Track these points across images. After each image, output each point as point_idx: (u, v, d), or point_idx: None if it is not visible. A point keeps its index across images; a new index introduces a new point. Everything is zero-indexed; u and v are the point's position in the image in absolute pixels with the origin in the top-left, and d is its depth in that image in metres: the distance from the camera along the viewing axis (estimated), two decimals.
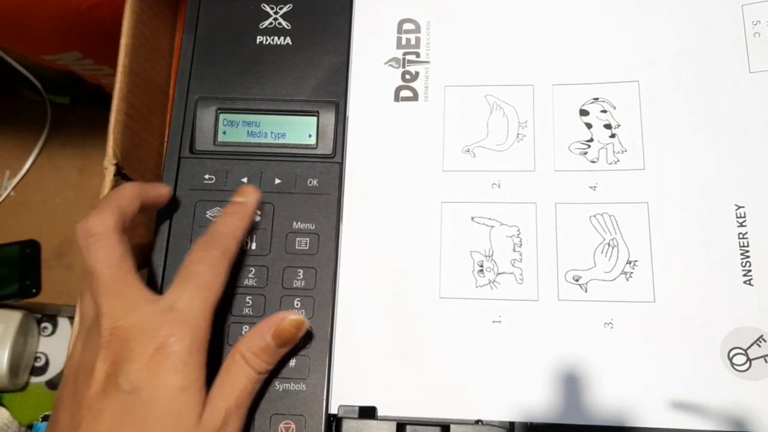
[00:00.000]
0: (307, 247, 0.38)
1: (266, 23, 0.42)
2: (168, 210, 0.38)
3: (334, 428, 0.35)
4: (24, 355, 0.63)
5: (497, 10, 0.41)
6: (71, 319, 0.65)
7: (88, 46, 0.54)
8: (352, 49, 0.41)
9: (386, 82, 0.41)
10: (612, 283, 0.36)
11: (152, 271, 0.38)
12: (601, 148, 0.38)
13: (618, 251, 0.37)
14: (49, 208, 0.62)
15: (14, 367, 0.61)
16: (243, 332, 0.36)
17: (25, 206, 0.62)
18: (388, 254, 0.38)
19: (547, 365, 0.36)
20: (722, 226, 0.36)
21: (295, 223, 0.38)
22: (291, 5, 0.42)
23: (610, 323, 0.36)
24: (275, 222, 0.38)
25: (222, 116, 0.40)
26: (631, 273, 0.36)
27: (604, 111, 0.39)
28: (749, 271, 0.35)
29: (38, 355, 0.65)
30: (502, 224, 0.38)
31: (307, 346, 0.36)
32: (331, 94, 0.40)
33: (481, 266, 0.38)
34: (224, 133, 0.40)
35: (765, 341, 0.35)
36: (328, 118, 0.40)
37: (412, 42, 0.41)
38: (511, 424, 0.35)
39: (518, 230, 0.38)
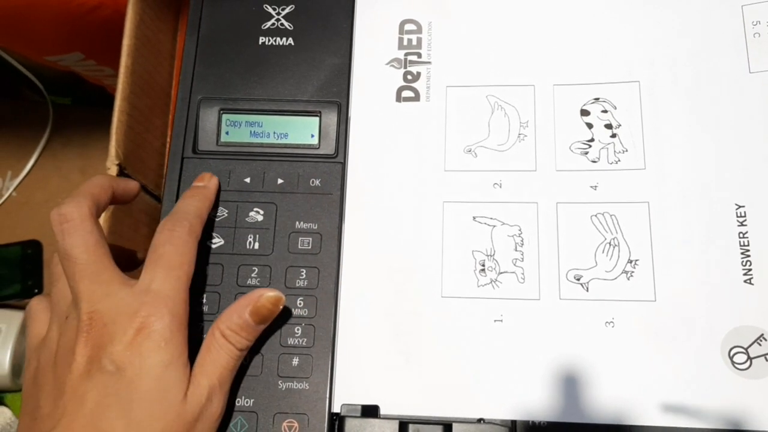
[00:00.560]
0: (309, 247, 0.38)
1: (268, 24, 0.42)
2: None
3: (336, 427, 0.35)
4: (26, 356, 0.62)
5: (498, 11, 0.42)
6: None
7: (90, 47, 0.54)
8: (354, 49, 0.42)
9: (388, 82, 0.41)
10: (613, 283, 0.37)
11: None
12: (602, 147, 0.39)
13: (619, 250, 0.37)
14: (51, 208, 0.61)
15: (16, 367, 0.61)
16: None
17: (27, 207, 0.62)
18: (390, 254, 0.38)
19: (549, 364, 0.36)
20: (723, 225, 0.36)
21: (297, 222, 0.38)
22: (293, 6, 0.42)
23: (612, 322, 0.36)
24: (278, 222, 0.38)
25: (225, 117, 0.40)
26: (632, 272, 0.37)
27: (605, 111, 0.39)
28: (749, 270, 0.36)
29: None
30: (504, 224, 0.38)
31: (310, 345, 0.36)
32: (333, 95, 0.41)
33: (483, 265, 0.38)
34: (227, 133, 0.40)
35: (765, 340, 0.35)
36: (331, 118, 0.40)
37: (414, 42, 0.42)
38: (513, 422, 0.35)
39: (520, 230, 0.38)
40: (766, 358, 0.35)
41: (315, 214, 0.38)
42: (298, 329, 0.36)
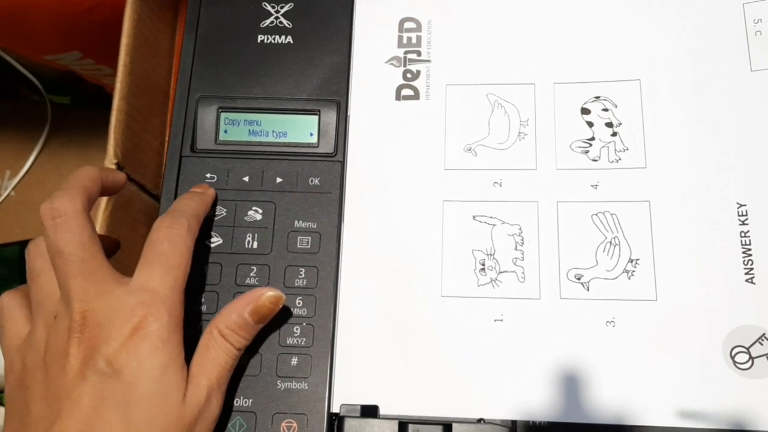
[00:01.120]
0: (308, 246, 0.38)
1: (267, 22, 0.42)
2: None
3: (336, 427, 0.35)
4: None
5: (498, 9, 0.41)
6: None
7: (89, 46, 0.54)
8: (353, 47, 0.41)
9: (387, 80, 0.41)
10: (614, 282, 0.36)
11: None
12: (603, 146, 0.38)
13: (620, 250, 0.37)
14: None
15: None
16: None
17: (26, 206, 0.62)
18: (389, 253, 0.38)
19: (549, 364, 0.36)
20: (724, 224, 0.36)
21: (296, 221, 0.38)
22: (292, 4, 0.42)
23: (612, 322, 0.36)
24: (277, 221, 0.38)
25: (223, 115, 0.40)
26: (633, 271, 0.36)
27: (606, 109, 0.39)
28: (751, 269, 0.35)
29: None
30: (504, 223, 0.38)
31: (309, 345, 0.36)
32: (332, 93, 0.40)
33: (483, 265, 0.37)
34: (225, 132, 0.40)
35: (767, 339, 0.35)
36: (330, 116, 0.40)
37: (414, 41, 0.41)
38: (513, 422, 0.35)
39: (520, 229, 0.38)
40: (767, 357, 0.34)
41: (314, 213, 0.38)
42: (297, 329, 0.36)
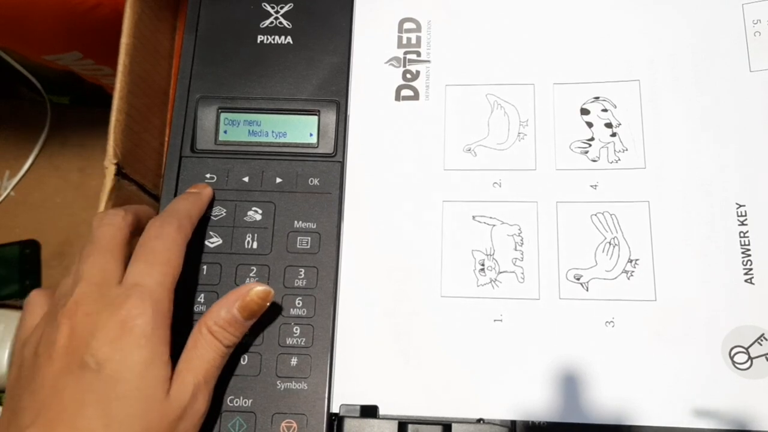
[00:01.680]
0: (308, 246, 0.38)
1: (267, 22, 0.42)
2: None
3: (335, 427, 0.35)
4: (14, 350, 0.62)
5: (498, 9, 0.41)
6: None
7: (89, 46, 0.54)
8: (353, 48, 0.41)
9: (387, 81, 0.41)
10: (613, 282, 0.36)
11: None
12: (602, 146, 0.39)
13: (619, 250, 0.37)
14: (49, 208, 0.62)
15: None
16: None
17: (25, 206, 0.62)
18: (389, 253, 0.38)
19: (549, 364, 0.36)
20: (723, 224, 0.36)
21: (296, 222, 0.38)
22: (292, 4, 0.42)
23: (612, 322, 0.36)
24: (276, 221, 0.38)
25: (223, 115, 0.40)
26: (633, 272, 0.36)
27: (605, 110, 0.39)
28: (750, 269, 0.35)
29: None
30: (504, 223, 0.38)
31: (308, 345, 0.36)
32: (332, 93, 0.40)
33: (483, 265, 0.38)
34: (225, 132, 0.40)
35: (766, 340, 0.35)
36: (329, 117, 0.40)
37: (413, 41, 0.41)
38: (513, 422, 0.35)
39: (519, 229, 0.38)
40: (766, 357, 0.34)
41: (314, 214, 0.38)
42: (296, 329, 0.36)
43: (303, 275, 0.37)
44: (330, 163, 0.39)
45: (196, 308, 0.37)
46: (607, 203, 0.38)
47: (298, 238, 0.38)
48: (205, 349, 0.32)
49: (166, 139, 0.47)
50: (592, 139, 0.39)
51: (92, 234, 0.34)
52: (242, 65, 0.41)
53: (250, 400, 0.35)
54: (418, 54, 0.41)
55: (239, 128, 0.40)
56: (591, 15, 0.41)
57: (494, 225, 0.38)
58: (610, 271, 0.37)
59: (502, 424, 0.35)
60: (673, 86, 0.39)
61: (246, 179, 0.39)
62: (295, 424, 0.35)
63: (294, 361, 0.36)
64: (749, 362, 0.34)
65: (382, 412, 0.36)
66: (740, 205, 0.36)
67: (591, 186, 0.38)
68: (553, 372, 0.36)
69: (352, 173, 0.39)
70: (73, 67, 0.58)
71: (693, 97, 0.38)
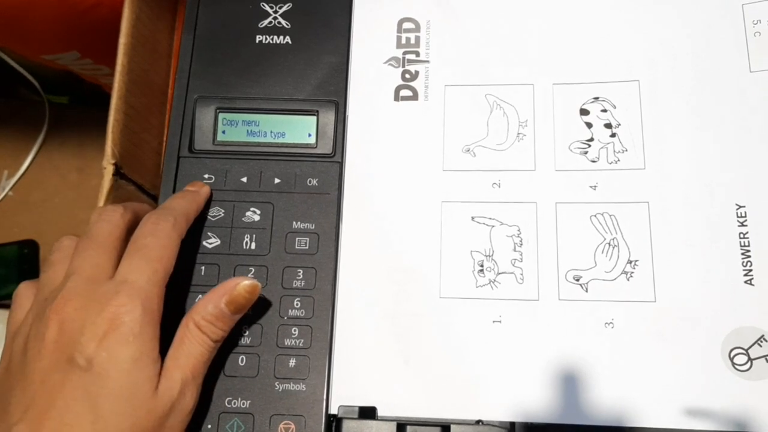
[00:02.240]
0: (306, 247, 0.38)
1: (266, 22, 0.42)
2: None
3: (334, 428, 0.35)
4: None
5: (497, 10, 0.41)
6: None
7: (87, 45, 0.54)
8: (352, 48, 0.41)
9: (386, 81, 0.41)
10: (613, 283, 0.36)
11: None
12: (602, 147, 0.38)
13: (618, 251, 0.37)
14: (48, 208, 0.62)
15: None
16: (242, 333, 0.36)
17: (24, 206, 0.62)
18: (388, 254, 0.38)
19: (548, 365, 0.36)
20: (723, 225, 0.36)
21: (294, 222, 0.38)
22: (291, 4, 0.42)
23: (611, 323, 0.36)
24: (275, 222, 0.38)
25: (221, 116, 0.40)
26: (632, 273, 0.36)
27: (605, 110, 0.39)
28: (750, 270, 0.35)
29: None
30: (503, 224, 0.38)
31: (307, 347, 0.36)
32: (330, 94, 0.40)
33: (482, 266, 0.37)
34: (223, 132, 0.40)
35: (766, 341, 0.35)
36: (328, 117, 0.40)
37: (412, 41, 0.41)
38: (512, 424, 0.35)
39: (518, 230, 0.38)
40: (766, 359, 0.34)
41: (312, 214, 0.38)
42: (295, 330, 0.36)
43: (301, 276, 0.37)
44: (329, 163, 0.39)
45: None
46: (607, 204, 0.37)
47: (297, 238, 0.38)
48: (192, 344, 0.32)
49: (165, 139, 0.47)
50: (592, 139, 0.39)
51: (89, 228, 0.34)
52: (241, 65, 0.41)
53: (248, 402, 0.35)
54: (417, 54, 0.41)
55: (237, 128, 0.40)
56: (590, 15, 0.40)
57: (493, 226, 0.38)
58: (609, 272, 0.37)
59: (501, 425, 0.35)
60: (672, 87, 0.39)
61: (244, 180, 0.39)
62: (293, 426, 0.35)
63: (292, 362, 0.36)
64: (749, 363, 0.34)
65: (380, 413, 0.36)
66: (740, 206, 0.36)
67: (590, 187, 0.38)
68: (552, 373, 0.35)
69: (350, 174, 0.39)
70: (71, 66, 0.58)
71: (693, 98, 0.38)
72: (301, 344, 0.36)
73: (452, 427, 0.35)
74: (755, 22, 0.38)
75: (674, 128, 0.38)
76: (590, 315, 0.36)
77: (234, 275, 0.37)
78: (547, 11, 0.41)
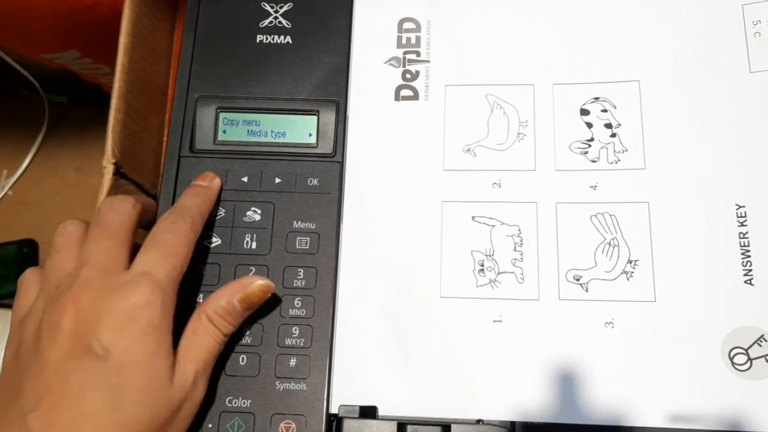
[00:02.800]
0: (307, 247, 0.38)
1: (266, 22, 0.42)
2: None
3: (334, 428, 0.35)
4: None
5: (498, 10, 0.41)
6: None
7: (87, 45, 0.54)
8: (353, 48, 0.41)
9: (387, 81, 0.41)
10: (613, 283, 0.36)
11: None
12: (602, 147, 0.38)
13: (619, 251, 0.37)
14: (47, 207, 0.62)
15: None
16: (243, 332, 0.36)
17: (23, 205, 0.62)
18: (388, 254, 0.38)
19: (548, 365, 0.36)
20: (723, 225, 0.36)
21: (295, 222, 0.38)
22: (291, 4, 0.42)
23: (611, 323, 0.36)
24: (275, 221, 0.38)
25: (222, 115, 0.40)
26: (632, 272, 0.36)
27: (605, 110, 0.39)
28: (750, 270, 0.35)
29: None
30: (503, 223, 0.38)
31: (307, 346, 0.36)
32: (331, 93, 0.40)
33: (482, 266, 0.37)
34: (224, 132, 0.40)
35: (766, 341, 0.35)
36: (329, 117, 0.40)
37: (413, 41, 0.41)
38: (512, 423, 0.35)
39: (519, 229, 0.38)
40: (766, 359, 0.34)
41: (313, 214, 0.38)
42: (295, 329, 0.36)
43: (302, 275, 0.37)
44: (329, 163, 0.39)
45: (196, 308, 0.36)
46: (607, 204, 0.38)
47: (298, 238, 0.38)
48: (204, 336, 0.33)
49: (165, 138, 0.47)
50: (592, 139, 0.39)
51: (100, 218, 0.34)
52: (241, 65, 0.41)
53: (249, 401, 0.35)
54: (418, 54, 0.41)
55: (238, 128, 0.40)
56: (591, 15, 0.41)
57: (494, 225, 0.38)
58: (609, 272, 0.37)
59: (502, 424, 0.35)
60: (673, 87, 0.39)
61: (245, 179, 0.39)
62: (294, 425, 0.35)
63: (293, 361, 0.36)
64: (749, 363, 0.34)
65: (381, 412, 0.36)
66: (740, 206, 0.36)
67: (591, 186, 0.38)
68: (552, 373, 0.35)
69: (351, 173, 0.39)
70: (71, 66, 0.58)
71: (693, 98, 0.38)
72: (301, 344, 0.36)
73: (453, 426, 0.35)
74: (755, 22, 0.38)
75: (674, 128, 0.38)
76: (590, 315, 0.36)
77: (235, 275, 0.37)
78: (547, 11, 0.41)
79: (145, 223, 0.37)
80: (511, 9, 0.41)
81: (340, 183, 0.39)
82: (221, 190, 0.39)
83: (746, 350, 0.35)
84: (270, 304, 0.36)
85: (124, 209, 0.34)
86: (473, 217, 0.38)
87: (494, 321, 0.37)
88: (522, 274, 0.37)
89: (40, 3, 0.48)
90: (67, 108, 0.67)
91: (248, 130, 0.40)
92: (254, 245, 0.38)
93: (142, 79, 0.44)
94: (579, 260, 0.37)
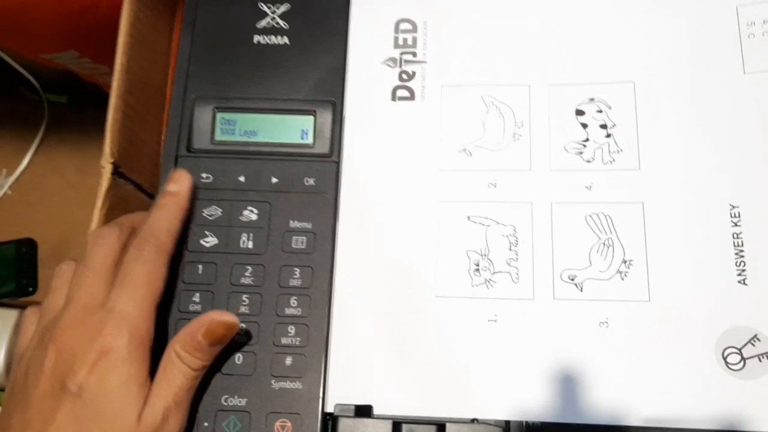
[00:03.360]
0: (303, 246, 0.38)
1: (263, 23, 0.42)
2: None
3: (330, 427, 0.35)
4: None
5: (494, 10, 0.42)
6: None
7: (86, 44, 0.54)
8: (349, 48, 0.42)
9: (383, 81, 0.41)
10: (607, 283, 0.37)
11: None
12: (597, 147, 0.39)
13: (613, 251, 0.37)
14: (46, 206, 0.62)
15: (10, 366, 0.60)
16: (240, 331, 0.36)
17: (22, 205, 0.62)
18: (384, 253, 0.38)
19: (543, 364, 0.36)
20: (717, 225, 0.36)
21: (291, 221, 0.38)
22: (288, 5, 0.42)
23: (606, 322, 0.36)
24: (272, 221, 0.38)
25: (219, 115, 0.40)
26: (627, 272, 0.37)
27: (600, 111, 0.39)
28: (743, 270, 0.36)
29: None
30: (498, 223, 0.38)
31: (303, 345, 0.36)
32: (328, 94, 0.40)
33: (477, 265, 0.38)
34: (221, 131, 0.40)
35: (759, 340, 0.35)
36: (325, 117, 0.40)
37: (409, 42, 0.42)
38: (507, 423, 0.35)
39: (514, 229, 0.38)
40: (759, 358, 0.35)
41: (309, 214, 0.38)
42: (291, 329, 0.36)
43: (298, 275, 0.37)
44: (326, 163, 0.39)
45: (192, 307, 0.37)
46: (602, 204, 0.38)
47: (294, 237, 0.38)
48: (174, 373, 0.33)
49: (163, 138, 0.47)
50: (587, 140, 0.39)
51: (86, 253, 0.35)
52: (238, 65, 0.41)
53: (245, 400, 0.35)
54: (414, 54, 0.41)
55: (235, 128, 0.40)
56: (586, 16, 0.41)
57: (489, 225, 0.38)
58: (604, 272, 0.37)
59: (496, 424, 0.35)
60: (667, 88, 0.39)
61: (242, 179, 0.39)
62: (289, 424, 0.35)
63: (289, 360, 0.36)
64: (742, 363, 0.35)
65: (376, 411, 0.36)
66: (734, 207, 0.36)
67: (586, 187, 0.38)
68: (547, 372, 0.36)
69: (347, 173, 0.39)
70: (70, 65, 0.58)
71: (687, 99, 0.38)
72: (297, 342, 0.36)
73: (447, 425, 0.35)
74: (749, 23, 0.39)
75: (669, 129, 0.38)
76: (585, 314, 0.36)
77: (231, 274, 0.37)
78: (543, 12, 0.41)
79: None
80: (507, 10, 0.41)
81: (336, 183, 0.39)
82: (217, 189, 0.39)
83: (740, 350, 0.35)
84: (266, 303, 0.37)
85: (107, 242, 0.35)
86: (469, 217, 0.38)
87: (489, 320, 0.37)
88: (517, 273, 0.37)
89: (39, 3, 0.48)
90: (67, 107, 0.67)
91: (245, 130, 0.40)
92: (251, 245, 0.38)
93: (141, 78, 0.44)
94: (574, 260, 0.37)
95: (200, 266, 0.37)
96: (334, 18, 0.42)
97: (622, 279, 0.36)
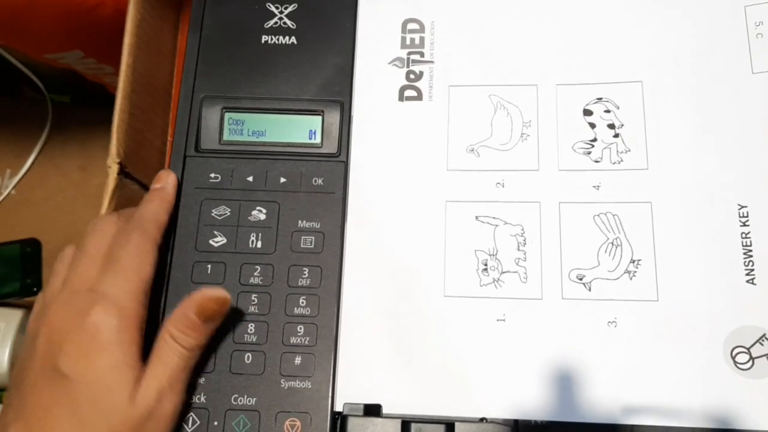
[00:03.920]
0: (312, 246, 0.38)
1: (271, 23, 0.42)
2: (174, 208, 0.38)
3: (339, 426, 0.35)
4: None
5: (501, 10, 0.42)
6: None
7: (91, 45, 0.54)
8: (357, 48, 0.42)
9: (391, 81, 0.41)
10: (615, 282, 0.37)
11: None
12: (605, 147, 0.39)
13: (621, 250, 0.37)
14: (50, 206, 0.62)
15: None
16: (249, 330, 0.36)
17: (26, 205, 0.62)
18: (392, 253, 0.38)
19: (551, 364, 0.36)
20: (725, 225, 0.36)
21: (300, 221, 0.38)
22: (296, 5, 0.42)
23: (614, 322, 0.36)
24: (280, 221, 0.38)
25: (227, 115, 0.40)
26: (635, 272, 0.37)
27: (608, 111, 0.39)
28: (752, 270, 0.36)
29: None
30: (506, 223, 0.38)
31: (312, 344, 0.36)
32: (335, 94, 0.40)
33: (486, 265, 0.38)
34: (229, 131, 0.40)
35: (767, 340, 0.35)
36: (333, 117, 0.40)
37: (417, 42, 0.42)
38: (515, 422, 0.35)
39: (522, 229, 0.38)
40: (767, 357, 0.35)
41: (317, 213, 0.38)
42: (300, 328, 0.36)
43: (307, 275, 0.37)
44: (334, 163, 0.39)
45: None
46: (610, 204, 0.38)
47: (302, 237, 0.38)
48: (167, 353, 0.33)
49: (169, 138, 0.47)
50: (595, 139, 0.39)
51: (82, 239, 0.36)
52: (246, 65, 0.41)
53: (254, 399, 0.35)
54: (422, 55, 0.41)
55: (243, 128, 0.40)
56: (594, 17, 0.41)
57: (497, 225, 0.38)
58: (612, 272, 0.37)
59: (505, 423, 0.35)
60: (675, 88, 0.39)
61: (250, 179, 0.39)
62: (298, 423, 0.35)
63: (298, 360, 0.36)
64: (751, 362, 0.35)
65: (385, 411, 0.36)
66: (742, 206, 0.37)
67: (593, 186, 0.38)
68: (555, 372, 0.36)
69: (355, 173, 0.40)
70: (74, 65, 0.58)
71: (695, 99, 0.38)
72: (306, 342, 0.36)
73: (456, 424, 0.35)
74: (757, 23, 0.39)
75: (677, 129, 0.38)
76: (593, 314, 0.36)
77: (240, 273, 0.37)
78: (551, 13, 0.41)
79: None
80: (514, 10, 0.41)
81: (344, 183, 0.39)
82: (226, 189, 0.39)
83: (748, 349, 0.35)
84: (275, 302, 0.37)
85: (103, 228, 0.36)
86: (477, 217, 0.38)
87: (497, 320, 0.37)
88: (525, 273, 0.37)
89: (44, 3, 0.48)
90: (71, 107, 0.67)
91: (253, 130, 0.40)
92: (259, 244, 0.38)
93: (147, 79, 0.44)
94: (582, 260, 0.37)
95: (209, 266, 0.37)
96: (341, 18, 0.42)
97: (631, 279, 0.37)
